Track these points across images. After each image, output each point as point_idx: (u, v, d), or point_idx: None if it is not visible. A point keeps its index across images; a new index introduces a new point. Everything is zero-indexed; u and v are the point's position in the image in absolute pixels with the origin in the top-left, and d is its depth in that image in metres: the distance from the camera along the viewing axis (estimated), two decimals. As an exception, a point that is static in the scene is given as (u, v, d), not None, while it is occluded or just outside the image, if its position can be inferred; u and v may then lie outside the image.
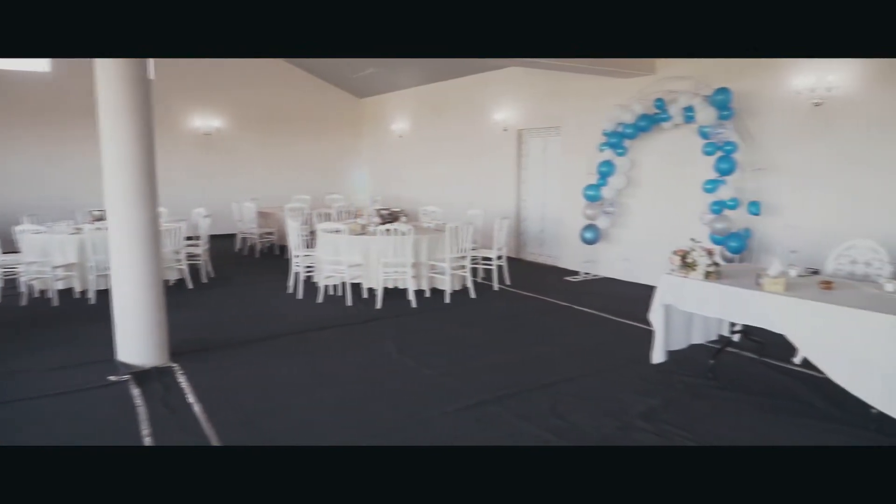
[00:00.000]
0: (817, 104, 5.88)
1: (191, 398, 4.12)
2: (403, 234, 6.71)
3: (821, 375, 3.89)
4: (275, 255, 10.20)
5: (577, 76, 7.99)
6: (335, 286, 7.17)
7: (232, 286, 7.83)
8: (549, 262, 9.52)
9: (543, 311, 6.66)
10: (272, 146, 13.31)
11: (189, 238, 7.98)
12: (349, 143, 14.33)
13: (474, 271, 7.63)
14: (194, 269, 7.92)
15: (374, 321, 6.14)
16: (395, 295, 6.90)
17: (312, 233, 7.67)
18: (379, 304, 6.62)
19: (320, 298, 6.92)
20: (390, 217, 7.78)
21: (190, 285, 7.55)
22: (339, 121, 14.07)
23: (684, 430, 3.64)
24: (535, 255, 9.87)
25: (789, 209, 6.28)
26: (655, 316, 4.55)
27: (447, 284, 6.98)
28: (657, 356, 4.55)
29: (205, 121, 12.54)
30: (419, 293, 6.96)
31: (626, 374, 4.61)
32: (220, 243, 10.65)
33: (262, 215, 10.44)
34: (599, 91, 8.08)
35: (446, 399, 4.13)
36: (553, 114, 9.13)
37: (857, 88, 5.68)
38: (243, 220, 10.57)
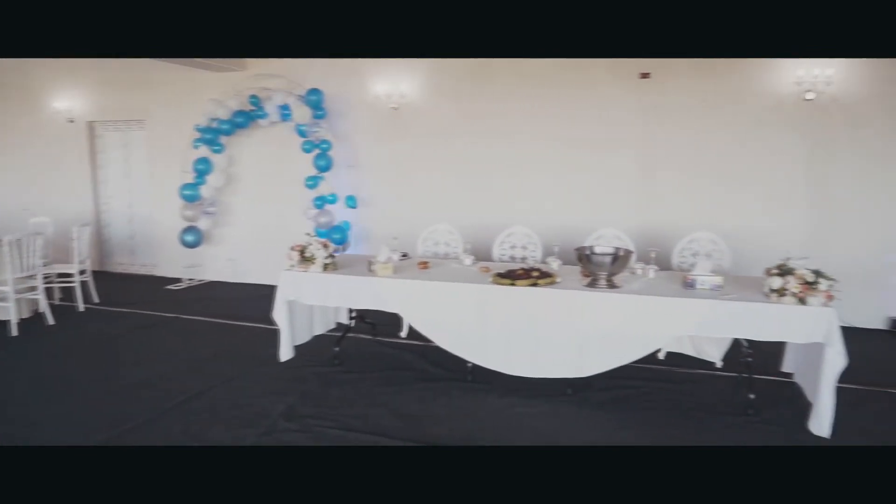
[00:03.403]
0: (395, 108, 6.73)
1: None
2: (-65, 253, 5.03)
3: (423, 343, 4.52)
4: None
5: (160, 66, 7.25)
6: None
7: None
8: (145, 271, 8.52)
9: (148, 327, 5.90)
10: None
11: None
12: None
13: (49, 292, 6.27)
14: None
15: None
16: (-71, 336, 5.16)
17: None
18: None
19: None
20: None
21: None
22: None
23: (326, 419, 3.73)
24: (125, 265, 8.69)
25: (380, 201, 7.04)
26: (279, 313, 4.50)
27: (11, 314, 5.54)
28: (285, 353, 4.53)
29: None
30: (-31, 329, 5.36)
31: (256, 378, 4.46)
32: None
33: None
34: (190, 84, 7.53)
35: (41, 455, 3.28)
36: (134, 106, 8.12)
37: (422, 97, 6.71)
38: None
